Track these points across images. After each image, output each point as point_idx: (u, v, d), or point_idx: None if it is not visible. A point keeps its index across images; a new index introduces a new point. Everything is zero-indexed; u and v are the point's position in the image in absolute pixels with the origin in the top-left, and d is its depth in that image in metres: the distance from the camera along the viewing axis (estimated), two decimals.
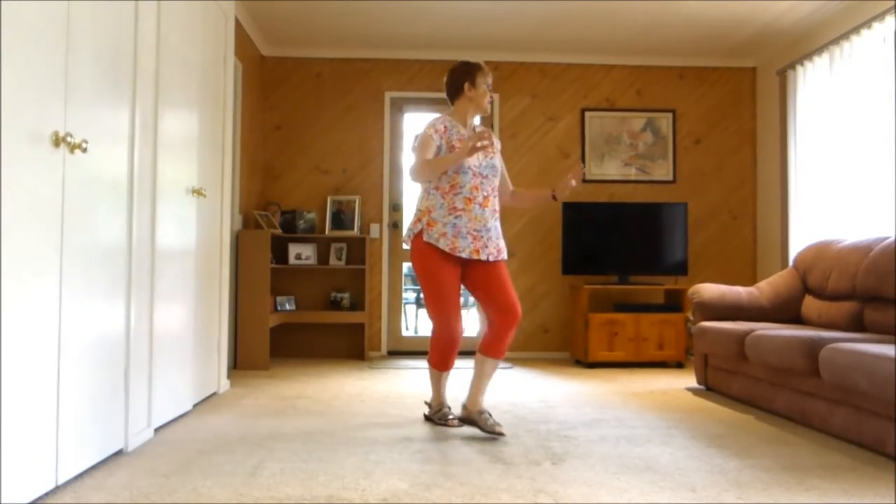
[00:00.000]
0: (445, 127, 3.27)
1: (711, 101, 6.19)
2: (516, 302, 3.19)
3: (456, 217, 3.18)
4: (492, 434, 3.02)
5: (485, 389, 3.20)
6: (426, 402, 3.44)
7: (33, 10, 2.00)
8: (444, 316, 3.18)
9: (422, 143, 3.23)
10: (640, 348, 5.42)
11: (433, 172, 3.14)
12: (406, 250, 6.06)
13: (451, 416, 3.30)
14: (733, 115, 6.20)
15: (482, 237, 3.18)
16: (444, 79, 3.39)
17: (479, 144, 2.98)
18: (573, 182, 3.31)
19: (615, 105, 6.15)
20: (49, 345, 2.11)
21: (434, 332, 3.24)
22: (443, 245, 3.16)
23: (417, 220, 3.26)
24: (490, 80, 3.36)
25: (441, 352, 3.26)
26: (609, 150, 6.12)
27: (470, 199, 3.18)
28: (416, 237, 3.23)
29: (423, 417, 3.45)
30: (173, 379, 3.21)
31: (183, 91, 3.32)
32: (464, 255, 3.15)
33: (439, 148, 3.23)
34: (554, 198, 3.39)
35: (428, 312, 3.25)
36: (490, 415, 3.10)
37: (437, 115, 3.39)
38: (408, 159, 3.14)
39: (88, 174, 2.35)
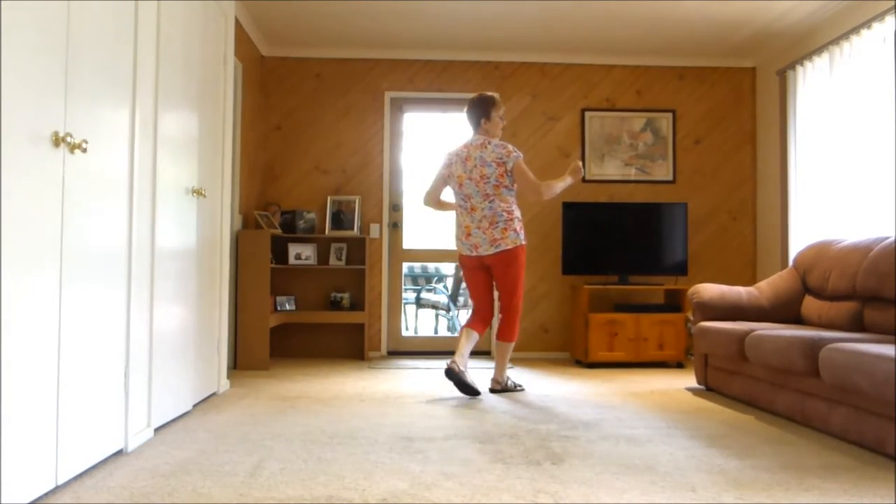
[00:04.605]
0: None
1: (711, 102, 6.19)
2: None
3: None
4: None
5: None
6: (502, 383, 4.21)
7: (33, 9, 2.00)
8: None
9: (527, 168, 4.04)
10: (640, 348, 5.42)
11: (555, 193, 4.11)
12: (405, 250, 6.07)
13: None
14: (733, 115, 6.20)
15: None
16: (465, 109, 4.11)
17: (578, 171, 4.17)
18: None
19: (615, 105, 6.15)
20: (49, 345, 2.11)
21: (518, 316, 4.13)
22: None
23: (521, 227, 4.03)
24: (503, 110, 4.09)
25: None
26: (609, 150, 6.12)
27: None
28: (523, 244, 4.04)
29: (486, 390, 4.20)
30: (173, 379, 3.21)
31: (183, 91, 3.32)
32: None
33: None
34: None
35: (517, 304, 4.08)
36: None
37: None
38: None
39: (88, 174, 2.35)
